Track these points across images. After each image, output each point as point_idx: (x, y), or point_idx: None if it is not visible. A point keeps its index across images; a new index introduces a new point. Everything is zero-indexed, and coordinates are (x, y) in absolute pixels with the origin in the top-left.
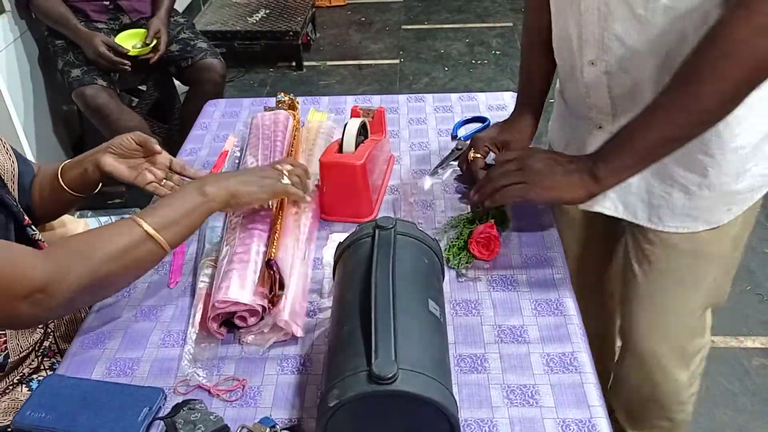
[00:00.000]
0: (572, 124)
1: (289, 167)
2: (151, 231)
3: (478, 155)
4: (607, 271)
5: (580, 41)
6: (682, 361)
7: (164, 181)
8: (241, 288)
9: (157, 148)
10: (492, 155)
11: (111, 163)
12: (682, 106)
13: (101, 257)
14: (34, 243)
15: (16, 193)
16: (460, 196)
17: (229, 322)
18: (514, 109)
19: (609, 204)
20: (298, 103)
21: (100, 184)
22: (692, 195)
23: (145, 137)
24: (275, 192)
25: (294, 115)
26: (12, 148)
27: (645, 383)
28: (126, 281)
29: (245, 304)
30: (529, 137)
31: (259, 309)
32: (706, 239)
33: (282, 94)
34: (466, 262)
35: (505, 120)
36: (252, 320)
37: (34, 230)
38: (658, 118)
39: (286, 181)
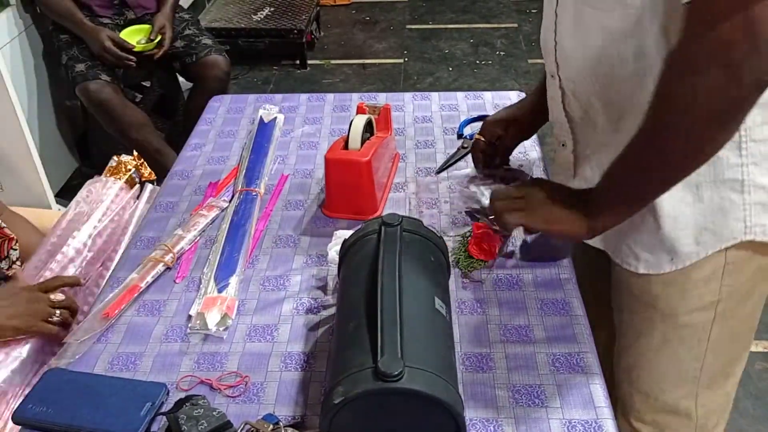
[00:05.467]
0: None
1: (60, 297)
2: None
3: (481, 137)
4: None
5: (546, 49)
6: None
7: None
8: None
9: None
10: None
11: None
12: (645, 157)
13: None
14: None
15: None
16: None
17: None
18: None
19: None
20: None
21: None
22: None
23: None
24: (38, 330)
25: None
26: None
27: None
28: None
29: None
30: (530, 111)
31: None
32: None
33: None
34: (469, 266)
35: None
36: None
37: None
38: (629, 164)
39: (55, 320)
